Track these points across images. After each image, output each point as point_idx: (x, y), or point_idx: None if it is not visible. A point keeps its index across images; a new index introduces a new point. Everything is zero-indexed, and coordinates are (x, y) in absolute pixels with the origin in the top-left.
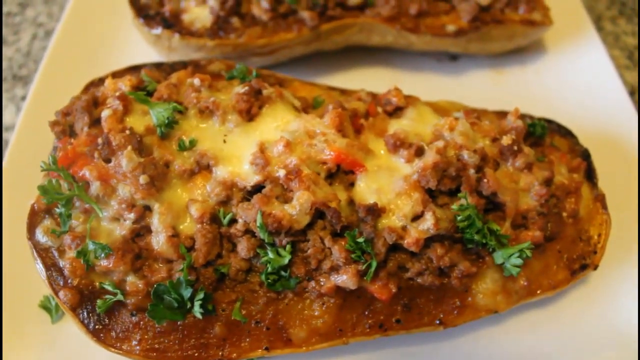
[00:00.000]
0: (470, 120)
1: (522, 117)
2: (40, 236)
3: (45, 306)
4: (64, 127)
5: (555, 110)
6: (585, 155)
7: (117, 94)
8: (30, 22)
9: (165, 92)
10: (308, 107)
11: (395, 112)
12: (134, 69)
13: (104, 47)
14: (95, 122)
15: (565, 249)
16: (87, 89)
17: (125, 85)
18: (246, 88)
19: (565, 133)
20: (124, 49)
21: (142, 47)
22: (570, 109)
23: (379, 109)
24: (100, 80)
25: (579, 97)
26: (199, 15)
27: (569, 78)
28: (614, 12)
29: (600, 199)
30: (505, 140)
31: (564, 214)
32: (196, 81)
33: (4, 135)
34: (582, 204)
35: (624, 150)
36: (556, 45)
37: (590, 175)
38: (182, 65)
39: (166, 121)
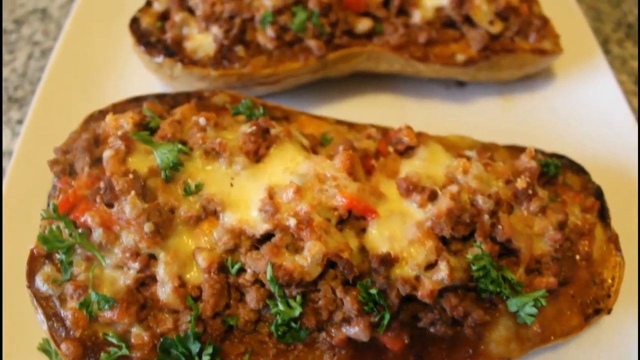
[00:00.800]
0: (484, 161)
1: (535, 152)
2: (41, 284)
3: (44, 349)
4: (64, 166)
5: (564, 139)
6: (598, 194)
7: (119, 132)
8: (26, 40)
9: (169, 131)
10: (316, 144)
11: (407, 151)
12: (136, 101)
13: (103, 68)
14: (97, 160)
15: (579, 293)
16: (86, 123)
17: (127, 122)
18: (253, 128)
19: (578, 170)
20: (124, 70)
21: (143, 69)
22: (580, 137)
23: (390, 149)
24: (101, 113)
25: (589, 125)
26: (202, 42)
27: (578, 105)
28: (621, 34)
29: (613, 240)
30: (520, 183)
31: (577, 257)
32: (201, 120)
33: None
34: (595, 245)
35: (633, 181)
36: (565, 72)
37: (603, 214)
38: (186, 96)
39: (171, 164)
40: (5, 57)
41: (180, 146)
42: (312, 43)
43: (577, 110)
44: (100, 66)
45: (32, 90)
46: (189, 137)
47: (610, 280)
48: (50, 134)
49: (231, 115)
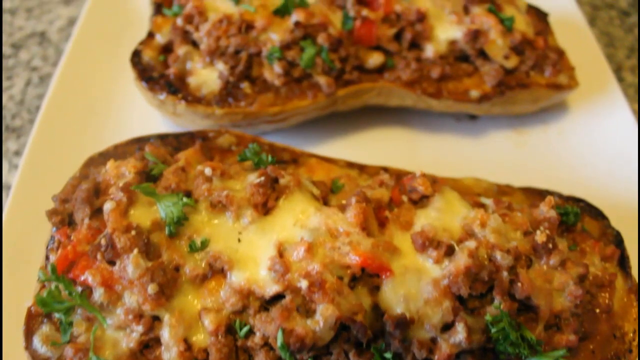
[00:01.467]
0: (501, 211)
1: (551, 194)
2: (39, 345)
3: None
4: (63, 217)
5: (580, 176)
6: (618, 241)
7: (121, 182)
8: (24, 66)
9: (173, 181)
10: (327, 192)
11: (421, 200)
12: (138, 142)
13: (104, 98)
14: (97, 211)
15: (599, 348)
16: (86, 166)
17: (128, 171)
18: (261, 179)
19: (596, 214)
20: (125, 101)
21: (145, 101)
22: (597, 174)
23: (404, 198)
24: (101, 156)
25: (605, 161)
26: (207, 79)
27: (593, 140)
28: (634, 60)
29: (634, 290)
30: (540, 237)
31: (597, 310)
32: (207, 171)
33: None
34: (616, 296)
35: None
36: (579, 103)
37: (623, 262)
38: (189, 136)
39: (175, 220)
40: (3, 83)
41: (185, 199)
42: (321, 80)
43: (593, 144)
44: (101, 96)
45: (30, 119)
46: (194, 188)
47: (631, 334)
48: (49, 168)
49: (237, 160)
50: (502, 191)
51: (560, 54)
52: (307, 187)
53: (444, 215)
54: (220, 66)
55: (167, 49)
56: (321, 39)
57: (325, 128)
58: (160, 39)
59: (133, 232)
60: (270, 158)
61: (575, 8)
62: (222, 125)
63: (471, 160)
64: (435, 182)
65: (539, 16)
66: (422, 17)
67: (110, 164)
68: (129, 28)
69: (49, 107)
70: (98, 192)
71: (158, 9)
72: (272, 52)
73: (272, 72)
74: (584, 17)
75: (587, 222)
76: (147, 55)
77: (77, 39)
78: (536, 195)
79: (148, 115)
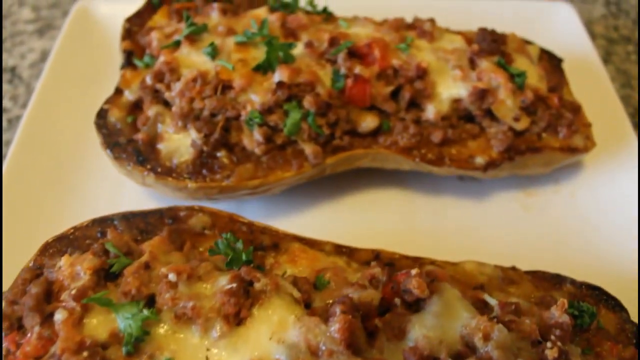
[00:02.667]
0: (507, 317)
1: (563, 280)
2: None
3: None
4: (11, 321)
5: (593, 245)
6: (638, 337)
7: (74, 288)
8: None
9: (133, 285)
10: (310, 289)
11: (417, 301)
12: (100, 224)
13: (74, 151)
14: (50, 315)
15: None
16: (41, 254)
17: (84, 271)
18: (233, 285)
19: (614, 305)
20: (95, 156)
21: None
22: (614, 246)
23: (397, 300)
24: (58, 241)
25: (620, 228)
26: (179, 145)
27: (608, 203)
28: None
29: None
30: (551, 353)
31: None
32: (171, 276)
33: None
34: None
35: None
36: (594, 161)
37: None
38: (158, 216)
39: (134, 338)
40: None
41: (146, 312)
42: (307, 149)
43: (609, 209)
44: (70, 149)
45: None
46: (157, 294)
47: None
48: (10, 243)
49: (208, 254)
50: (508, 278)
51: (576, 110)
52: (286, 290)
53: (442, 321)
54: (194, 134)
55: (137, 105)
56: (307, 103)
57: (313, 191)
58: (129, 95)
59: (85, 354)
60: (244, 256)
61: (590, 45)
62: (196, 198)
63: (475, 225)
64: (433, 281)
65: (551, 62)
66: (422, 74)
67: (64, 261)
68: (104, 65)
69: (10, 167)
70: (50, 294)
71: (128, 59)
72: (251, 116)
73: (252, 140)
74: (598, 56)
75: (603, 314)
76: (114, 116)
77: (45, 82)
78: (546, 282)
79: (121, 177)
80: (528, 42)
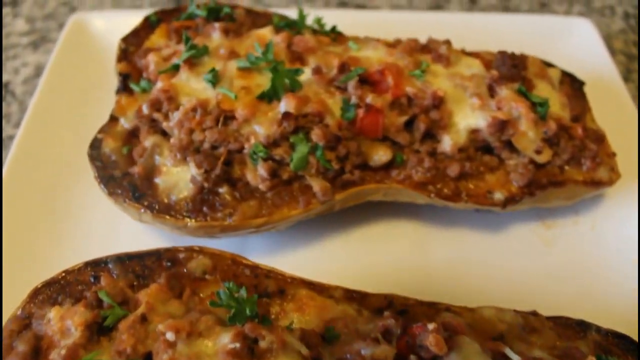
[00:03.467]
0: None
1: (587, 327)
2: None
3: None
4: None
5: (616, 281)
6: None
7: (64, 348)
8: None
9: (129, 343)
10: (318, 343)
11: (434, 358)
12: (93, 267)
13: (67, 172)
14: None
15: None
16: (30, 301)
17: (75, 326)
18: (236, 345)
19: None
20: (90, 189)
21: None
22: (633, 283)
23: (413, 358)
24: (47, 286)
25: None
26: (178, 180)
27: (631, 237)
28: None
29: None
30: None
31: None
32: (169, 335)
33: None
34: None
35: None
36: (616, 190)
37: None
38: (156, 258)
39: None
40: None
41: None
42: (315, 186)
43: (632, 243)
44: (62, 178)
45: None
46: (154, 354)
47: None
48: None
49: (210, 306)
50: (529, 325)
51: (600, 139)
52: (293, 347)
53: None
54: (194, 170)
55: (134, 134)
56: (315, 136)
57: (320, 225)
58: (124, 123)
59: None
60: (248, 310)
61: (611, 65)
62: (197, 235)
63: (492, 260)
64: (451, 336)
65: (573, 85)
66: (438, 103)
67: (54, 314)
68: (100, 82)
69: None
70: (39, 351)
71: (124, 82)
72: (255, 150)
73: (256, 175)
74: (619, 76)
75: None
76: (108, 147)
77: (38, 101)
78: (570, 330)
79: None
80: (548, 64)
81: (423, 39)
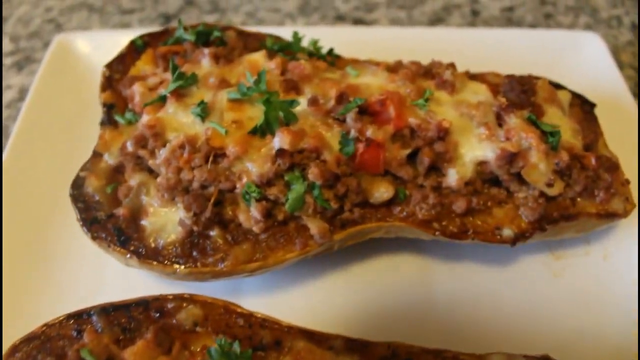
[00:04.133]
0: None
1: None
2: None
3: None
4: None
5: (631, 320)
6: None
7: None
8: None
9: None
10: None
11: None
12: (75, 319)
13: (50, 208)
14: None
15: None
16: (8, 357)
17: None
18: None
19: None
20: (72, 218)
21: None
22: None
23: None
24: (26, 343)
25: None
26: (166, 222)
27: None
28: None
29: None
30: None
31: None
32: None
33: None
34: None
35: None
36: (630, 220)
37: None
38: (144, 308)
39: None
40: None
41: None
42: (313, 227)
43: None
44: (45, 213)
45: None
46: None
47: None
48: None
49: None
50: None
51: (614, 167)
52: None
53: None
54: (182, 214)
55: (119, 170)
56: (312, 175)
57: (318, 262)
58: (108, 159)
59: None
60: None
61: (621, 81)
62: (187, 280)
63: (500, 295)
64: None
65: (583, 108)
66: (444, 134)
67: None
68: (86, 107)
69: None
70: None
71: (108, 113)
72: (248, 190)
73: (249, 217)
74: (630, 92)
75: None
76: (92, 186)
77: (22, 126)
78: None
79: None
80: (557, 86)
81: (425, 56)
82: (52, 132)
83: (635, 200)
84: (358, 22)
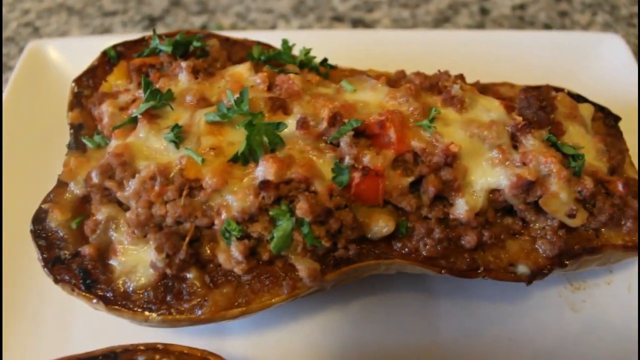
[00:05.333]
0: None
1: None
2: None
3: None
4: None
5: None
6: None
7: None
8: None
9: None
10: None
11: None
12: None
13: (16, 243)
14: None
15: None
16: None
17: None
18: None
19: None
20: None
21: None
22: None
23: None
24: None
25: None
26: (137, 262)
27: None
28: None
29: None
30: None
31: None
32: None
33: None
34: None
35: None
36: None
37: None
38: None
39: None
40: None
41: None
42: (302, 269)
43: None
44: (10, 250)
45: None
46: None
47: None
48: None
49: None
50: None
51: None
52: None
53: None
54: (154, 256)
55: (87, 200)
56: (301, 211)
57: (313, 298)
58: (74, 188)
59: None
60: None
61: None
62: (163, 327)
63: (513, 332)
64: None
65: (606, 121)
66: (451, 159)
67: None
68: (58, 125)
69: None
70: None
71: (76, 136)
72: (228, 227)
73: (229, 257)
74: None
75: None
76: (55, 221)
77: None
78: None
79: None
80: (578, 98)
81: (430, 62)
82: (20, 152)
83: None
84: (357, 23)
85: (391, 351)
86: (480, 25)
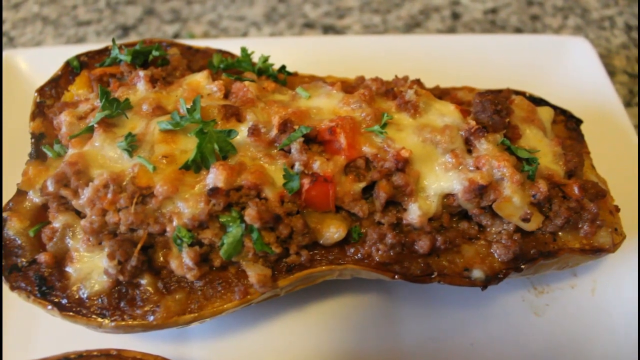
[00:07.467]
0: None
1: None
2: None
3: None
4: None
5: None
6: None
7: None
8: None
9: None
10: None
11: None
12: None
13: None
14: None
15: None
16: None
17: None
18: None
19: None
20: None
21: None
22: None
23: None
24: None
25: None
26: (92, 269)
27: (637, 303)
28: None
29: None
30: None
31: None
32: None
33: None
34: None
35: None
36: (624, 247)
37: None
38: None
39: None
40: None
41: None
42: (252, 275)
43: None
44: None
45: None
46: None
47: None
48: None
49: None
50: None
51: (601, 194)
52: None
53: None
54: (106, 263)
55: (46, 208)
56: (250, 217)
57: (271, 303)
58: (33, 197)
59: None
60: None
61: (611, 90)
62: (118, 334)
63: (475, 338)
64: None
65: (568, 124)
66: (403, 165)
67: None
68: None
69: None
70: None
71: (36, 145)
72: (179, 234)
73: (181, 263)
74: (620, 102)
75: None
76: (13, 229)
77: None
78: None
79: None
80: (539, 101)
81: (400, 66)
82: None
83: (635, 226)
84: (328, 29)
85: (350, 356)
86: (452, 30)
